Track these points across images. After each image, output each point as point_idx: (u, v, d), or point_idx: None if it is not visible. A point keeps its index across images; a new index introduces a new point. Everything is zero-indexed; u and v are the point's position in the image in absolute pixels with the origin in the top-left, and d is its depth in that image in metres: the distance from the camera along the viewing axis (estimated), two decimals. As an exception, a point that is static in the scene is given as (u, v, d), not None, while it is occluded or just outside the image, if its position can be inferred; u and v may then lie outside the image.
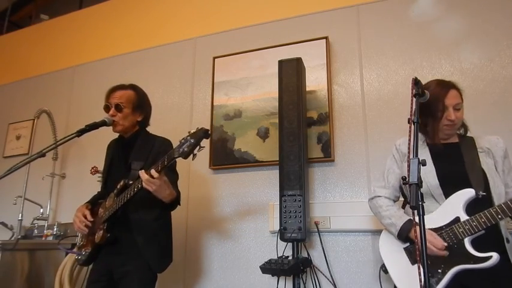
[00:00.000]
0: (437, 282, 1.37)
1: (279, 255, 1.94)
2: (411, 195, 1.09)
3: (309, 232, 2.00)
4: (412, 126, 1.24)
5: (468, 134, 1.62)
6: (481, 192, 1.39)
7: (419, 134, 1.61)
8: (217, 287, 2.27)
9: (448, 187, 1.47)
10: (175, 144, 1.57)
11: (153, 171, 1.53)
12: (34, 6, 4.98)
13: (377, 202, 1.63)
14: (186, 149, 1.47)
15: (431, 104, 1.51)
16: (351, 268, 2.02)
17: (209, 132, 1.51)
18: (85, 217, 1.80)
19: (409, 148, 1.18)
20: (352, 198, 2.12)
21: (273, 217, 2.18)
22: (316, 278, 2.00)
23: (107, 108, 1.86)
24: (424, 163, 1.15)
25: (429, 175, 1.50)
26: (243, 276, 2.23)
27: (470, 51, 2.09)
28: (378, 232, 2.00)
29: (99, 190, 2.01)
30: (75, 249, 1.92)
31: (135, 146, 1.86)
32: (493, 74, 2.02)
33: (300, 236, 1.87)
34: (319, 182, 2.21)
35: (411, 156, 1.16)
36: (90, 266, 1.86)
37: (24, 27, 4.16)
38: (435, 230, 1.43)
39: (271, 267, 1.80)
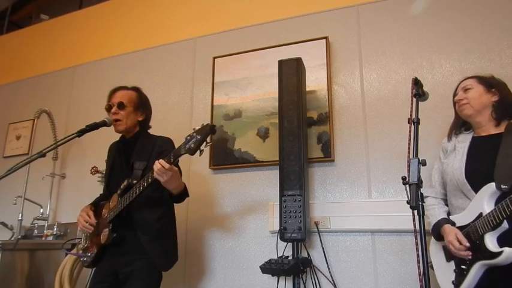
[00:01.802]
0: (463, 279, 1.37)
1: (279, 255, 1.94)
2: (411, 195, 1.10)
3: (309, 232, 2.00)
4: (412, 126, 1.24)
5: None
6: (503, 185, 1.33)
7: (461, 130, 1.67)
8: (217, 286, 2.27)
9: (476, 182, 1.43)
10: (176, 142, 1.57)
11: (163, 162, 1.53)
12: (34, 6, 4.98)
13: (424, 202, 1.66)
14: (192, 146, 1.48)
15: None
16: (351, 268, 2.02)
17: (215, 127, 1.52)
18: (89, 217, 1.81)
19: (408, 148, 1.18)
20: (352, 198, 2.12)
21: (273, 217, 2.18)
22: (316, 278, 2.00)
23: (109, 108, 1.86)
24: (424, 163, 1.15)
25: (458, 171, 1.50)
26: (243, 276, 2.23)
27: (470, 51, 2.09)
28: (377, 232, 2.01)
29: (101, 192, 2.01)
30: (75, 251, 1.92)
31: (137, 146, 1.86)
32: (493, 74, 2.02)
33: (300, 236, 1.87)
34: (319, 182, 2.21)
35: (411, 156, 1.16)
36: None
37: (24, 27, 4.16)
38: (462, 227, 1.44)
39: (271, 267, 1.80)
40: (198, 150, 1.49)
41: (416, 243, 1.08)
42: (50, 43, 3.60)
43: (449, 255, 1.48)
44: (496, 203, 1.35)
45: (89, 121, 1.83)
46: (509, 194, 1.28)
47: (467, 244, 1.37)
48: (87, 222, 1.80)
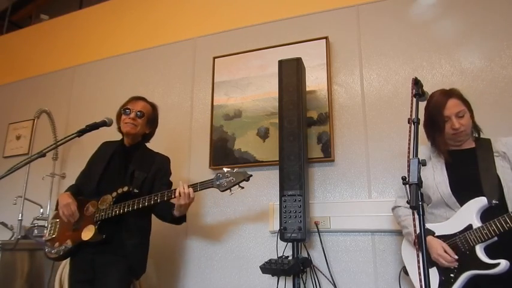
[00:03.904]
0: (451, 286, 1.43)
1: (279, 255, 1.94)
2: (411, 195, 1.09)
3: (309, 232, 2.00)
4: (412, 126, 1.24)
5: (485, 136, 1.62)
6: (493, 201, 1.41)
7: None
8: (217, 286, 2.27)
9: (462, 195, 1.50)
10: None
11: (191, 190, 1.70)
12: (34, 6, 4.98)
13: (397, 212, 1.73)
14: (225, 184, 1.67)
15: (433, 118, 1.57)
16: (351, 268, 2.02)
17: (251, 177, 1.70)
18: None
19: (408, 148, 1.18)
20: (352, 198, 2.12)
21: (273, 217, 2.18)
22: (316, 278, 2.00)
23: (126, 111, 1.93)
24: (424, 163, 1.15)
25: (442, 185, 1.55)
26: (243, 276, 2.23)
27: (470, 51, 2.09)
28: (377, 232, 2.01)
29: (76, 183, 2.03)
30: (46, 242, 1.89)
31: (136, 156, 1.94)
32: (493, 74, 2.02)
33: (300, 236, 1.86)
34: (319, 182, 2.21)
35: (411, 156, 1.16)
36: (66, 262, 1.88)
37: (24, 27, 4.16)
38: (449, 236, 1.48)
39: (271, 267, 1.80)
40: (229, 190, 1.67)
41: (416, 243, 1.08)
42: (50, 43, 3.60)
43: (430, 262, 1.50)
44: (482, 216, 1.43)
45: (89, 121, 1.83)
46: (496, 207, 1.40)
47: (456, 257, 1.43)
48: (72, 212, 1.81)
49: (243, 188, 1.69)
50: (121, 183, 1.79)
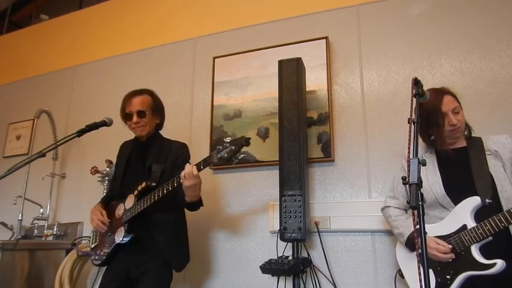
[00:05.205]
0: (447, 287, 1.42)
1: (279, 255, 1.94)
2: (411, 195, 1.09)
3: (309, 232, 2.00)
4: (412, 126, 1.24)
5: (475, 134, 1.63)
6: (487, 199, 1.41)
7: (425, 145, 1.66)
8: (217, 286, 2.27)
9: (456, 195, 1.49)
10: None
11: (194, 168, 1.58)
12: (34, 6, 4.98)
13: (387, 212, 1.72)
14: (226, 155, 1.55)
15: (430, 115, 1.55)
16: (351, 268, 2.02)
17: (250, 139, 1.58)
18: (102, 215, 1.84)
19: (408, 148, 1.17)
20: (352, 198, 2.12)
21: (273, 217, 2.18)
22: (316, 278, 2.00)
23: (128, 117, 1.86)
24: (424, 163, 1.15)
25: (436, 185, 1.54)
26: (243, 276, 2.23)
27: (470, 51, 2.09)
28: (377, 232, 2.01)
29: (105, 191, 2.02)
30: (90, 251, 1.92)
31: (152, 149, 1.89)
32: (493, 74, 2.02)
33: (300, 236, 1.86)
34: (319, 182, 2.21)
35: (411, 156, 1.16)
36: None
37: (24, 27, 4.16)
38: (444, 237, 1.47)
39: (271, 267, 1.80)
40: (231, 160, 1.56)
41: (417, 243, 1.08)
42: (50, 43, 3.60)
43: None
44: (476, 215, 1.42)
45: (89, 121, 1.83)
46: (490, 206, 1.39)
47: (450, 246, 1.43)
48: (100, 221, 1.82)
49: (244, 154, 1.59)
50: (141, 180, 1.78)
